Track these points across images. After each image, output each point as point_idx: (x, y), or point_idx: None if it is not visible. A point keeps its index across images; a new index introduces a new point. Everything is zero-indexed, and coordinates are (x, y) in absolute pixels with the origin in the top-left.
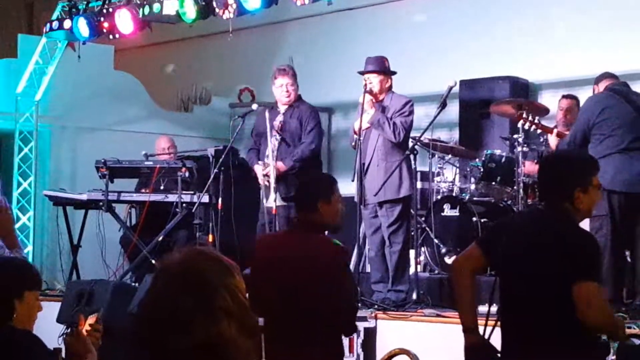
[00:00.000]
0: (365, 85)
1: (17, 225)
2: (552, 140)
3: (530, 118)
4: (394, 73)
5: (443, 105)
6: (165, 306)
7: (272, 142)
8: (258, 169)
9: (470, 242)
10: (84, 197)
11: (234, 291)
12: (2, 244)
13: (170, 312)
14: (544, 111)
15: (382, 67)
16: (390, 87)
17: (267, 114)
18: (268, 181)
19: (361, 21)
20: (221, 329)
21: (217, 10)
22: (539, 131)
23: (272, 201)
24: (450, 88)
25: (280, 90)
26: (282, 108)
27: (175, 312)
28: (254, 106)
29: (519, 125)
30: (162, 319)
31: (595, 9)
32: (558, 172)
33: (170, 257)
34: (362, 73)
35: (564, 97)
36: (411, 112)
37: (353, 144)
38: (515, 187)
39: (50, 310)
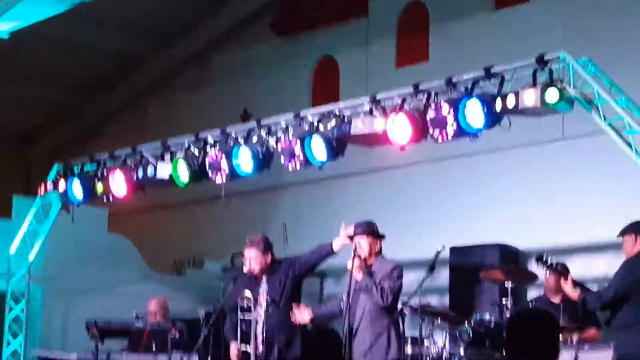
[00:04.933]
0: (355, 249)
1: None
2: (568, 287)
3: (549, 262)
4: (383, 237)
5: (431, 269)
6: None
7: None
8: (233, 347)
9: None
10: (74, 357)
11: None
12: None
13: None
14: (532, 278)
15: (370, 230)
16: (380, 251)
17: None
18: None
19: (353, 187)
20: None
21: (210, 174)
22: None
23: None
24: (439, 253)
25: (246, 261)
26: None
27: None
28: (246, 269)
29: (537, 267)
30: None
31: (581, 180)
32: (554, 336)
33: None
34: (350, 237)
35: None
36: (399, 277)
37: (342, 307)
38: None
39: None
